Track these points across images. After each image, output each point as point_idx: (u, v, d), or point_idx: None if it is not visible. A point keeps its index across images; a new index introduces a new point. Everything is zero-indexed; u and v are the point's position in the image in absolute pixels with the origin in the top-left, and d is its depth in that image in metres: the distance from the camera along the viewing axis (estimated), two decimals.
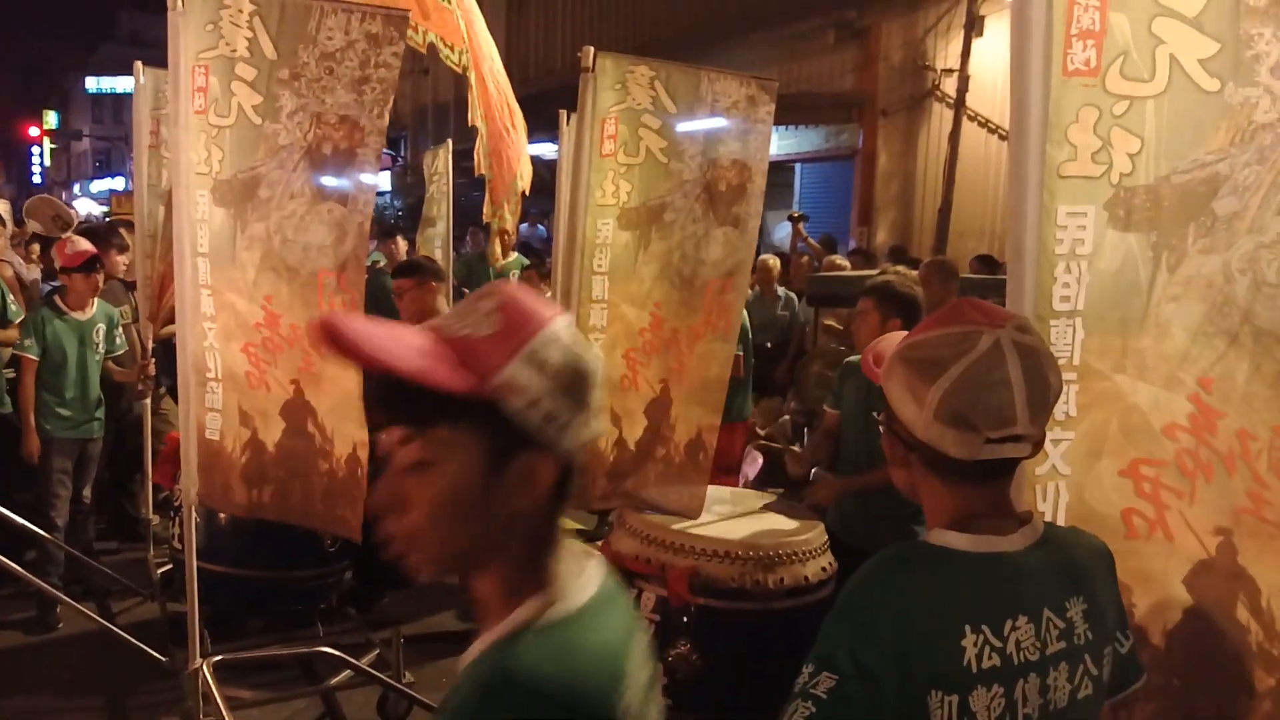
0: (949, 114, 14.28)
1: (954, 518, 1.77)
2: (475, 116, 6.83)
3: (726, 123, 4.70)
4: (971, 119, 14.03)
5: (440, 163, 9.35)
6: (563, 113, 7.60)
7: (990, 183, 14.24)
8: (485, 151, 7.04)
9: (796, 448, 7.16)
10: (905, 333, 1.96)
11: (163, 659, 5.31)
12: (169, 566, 6.32)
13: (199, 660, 4.58)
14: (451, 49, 6.26)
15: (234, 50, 4.06)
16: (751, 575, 4.15)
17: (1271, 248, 2.31)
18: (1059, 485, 2.53)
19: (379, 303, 7.96)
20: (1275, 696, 2.40)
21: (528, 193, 7.75)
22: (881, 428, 1.90)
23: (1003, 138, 14.03)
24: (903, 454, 1.82)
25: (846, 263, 10.29)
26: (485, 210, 7.67)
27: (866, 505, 4.56)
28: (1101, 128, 2.38)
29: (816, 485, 4.97)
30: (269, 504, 4.52)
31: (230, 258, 4.29)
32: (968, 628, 1.65)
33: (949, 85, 14.33)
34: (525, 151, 7.53)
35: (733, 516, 4.61)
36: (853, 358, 5.55)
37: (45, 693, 5.38)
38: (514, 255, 9.85)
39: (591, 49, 4.52)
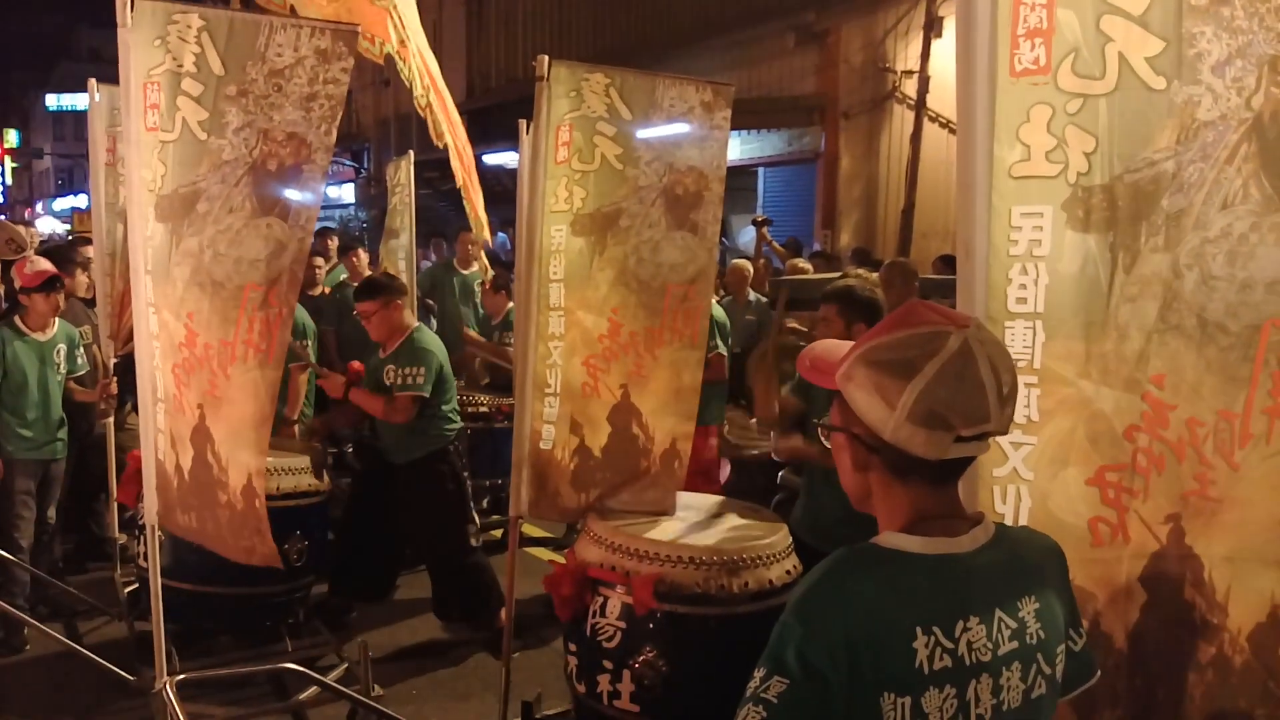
0: (910, 115, 14.36)
1: (908, 520, 1.78)
2: (443, 135, 6.85)
3: (683, 128, 4.71)
4: (933, 120, 14.11)
5: (402, 174, 9.32)
6: (521, 122, 7.62)
7: (952, 183, 14.26)
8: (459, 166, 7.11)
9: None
10: (838, 341, 1.97)
11: (131, 678, 5.25)
12: (135, 585, 6.27)
13: (164, 678, 4.56)
14: (372, 41, 6.26)
15: (180, 65, 4.02)
16: (716, 580, 4.15)
17: (1216, 242, 2.34)
18: (1020, 489, 2.54)
19: (344, 318, 7.97)
20: (1216, 665, 2.47)
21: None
22: (826, 433, 1.91)
23: None
24: (864, 458, 1.81)
25: (809, 265, 10.31)
26: (474, 226, 7.86)
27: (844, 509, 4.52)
28: (1056, 126, 2.40)
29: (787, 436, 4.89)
30: (196, 530, 4.44)
31: (165, 274, 4.22)
32: (919, 629, 1.65)
33: (909, 87, 14.40)
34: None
35: (698, 522, 4.62)
36: None
37: (13, 715, 5.33)
38: (476, 265, 9.85)
39: (546, 57, 4.53)
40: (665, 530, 4.47)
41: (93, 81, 6.46)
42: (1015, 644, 1.74)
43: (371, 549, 6.21)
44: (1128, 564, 2.52)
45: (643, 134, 4.67)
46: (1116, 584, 2.53)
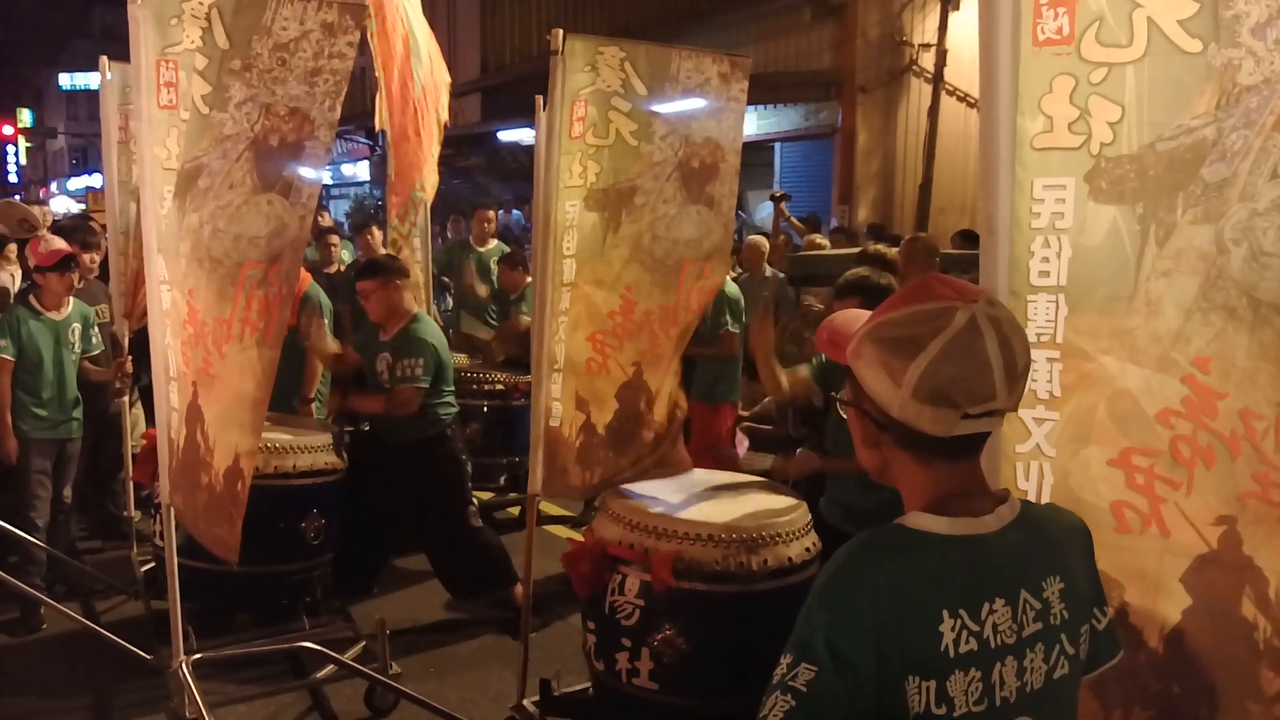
0: (928, 89, 14.29)
1: (930, 499, 1.75)
2: (381, 120, 6.73)
3: (699, 102, 4.65)
4: (950, 94, 14.04)
5: None
6: (538, 98, 7.55)
7: (970, 157, 14.23)
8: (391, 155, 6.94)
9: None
10: (860, 310, 1.93)
11: (148, 657, 5.27)
12: (152, 564, 6.27)
13: (181, 658, 4.55)
14: None
15: (192, 42, 3.99)
16: (735, 557, 4.12)
17: (1266, 215, 2.21)
18: (1044, 466, 2.48)
19: (357, 297, 7.87)
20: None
21: (429, 203, 7.53)
22: (843, 408, 1.88)
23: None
24: (874, 434, 1.79)
25: (826, 241, 10.25)
26: (391, 221, 7.49)
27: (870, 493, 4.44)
28: (1079, 97, 2.33)
29: (793, 460, 4.93)
30: (186, 514, 4.44)
31: (173, 250, 4.21)
32: (945, 613, 1.63)
33: (926, 60, 14.33)
34: (431, 159, 7.34)
35: (716, 499, 4.58)
36: None
37: (31, 694, 5.34)
38: (494, 243, 9.79)
39: (560, 31, 4.47)
40: (684, 508, 4.44)
41: (104, 59, 6.43)
42: (1039, 625, 1.72)
43: (368, 534, 6.18)
44: (1164, 561, 2.36)
45: (658, 108, 4.62)
46: (1148, 578, 2.37)
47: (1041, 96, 2.35)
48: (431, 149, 7.22)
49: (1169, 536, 2.36)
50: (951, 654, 1.62)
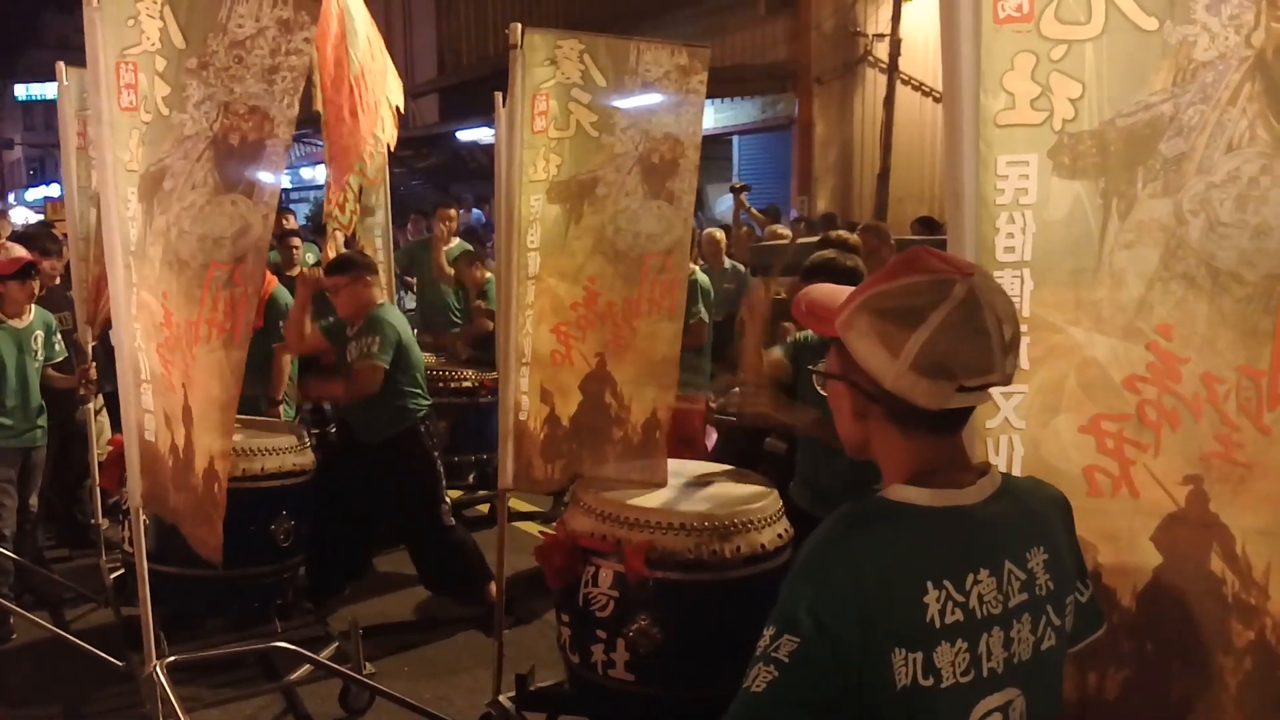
0: (883, 79, 14.34)
1: (912, 472, 1.75)
2: (317, 101, 6.63)
3: (658, 96, 4.65)
4: (905, 83, 14.08)
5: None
6: (497, 95, 7.53)
7: (927, 146, 14.32)
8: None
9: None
10: (835, 285, 1.94)
11: (119, 664, 5.23)
12: (121, 571, 6.23)
13: (154, 662, 4.53)
14: None
15: (151, 44, 3.96)
16: (708, 545, 4.13)
17: (1223, 187, 2.28)
18: (1013, 439, 2.51)
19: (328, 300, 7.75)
20: (1256, 651, 2.35)
21: (367, 184, 7.24)
22: (822, 383, 1.88)
23: (937, 100, 14.11)
24: (862, 406, 1.78)
25: (788, 231, 10.28)
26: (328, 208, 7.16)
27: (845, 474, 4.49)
28: (1040, 74, 2.36)
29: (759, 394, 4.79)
30: (180, 511, 4.39)
31: (143, 254, 4.18)
32: (929, 584, 1.62)
33: (881, 50, 14.37)
34: (387, 103, 7.14)
35: (687, 488, 4.59)
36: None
37: (1, 704, 5.29)
38: (456, 241, 9.76)
39: (519, 25, 4.47)
40: (655, 498, 4.45)
41: (60, 65, 6.36)
42: (1025, 595, 1.72)
43: (343, 533, 6.12)
44: (1135, 521, 2.45)
45: (618, 101, 4.63)
46: (1120, 538, 2.46)
47: (1003, 74, 2.37)
48: (375, 131, 7.03)
49: (1139, 497, 2.45)
50: (937, 625, 1.62)
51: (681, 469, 4.89)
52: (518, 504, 8.06)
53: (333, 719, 5.10)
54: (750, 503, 4.36)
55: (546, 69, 4.53)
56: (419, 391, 6.12)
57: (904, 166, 13.92)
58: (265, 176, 3.95)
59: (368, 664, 5.28)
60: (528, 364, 4.74)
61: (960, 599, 1.64)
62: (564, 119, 4.62)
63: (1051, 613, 1.76)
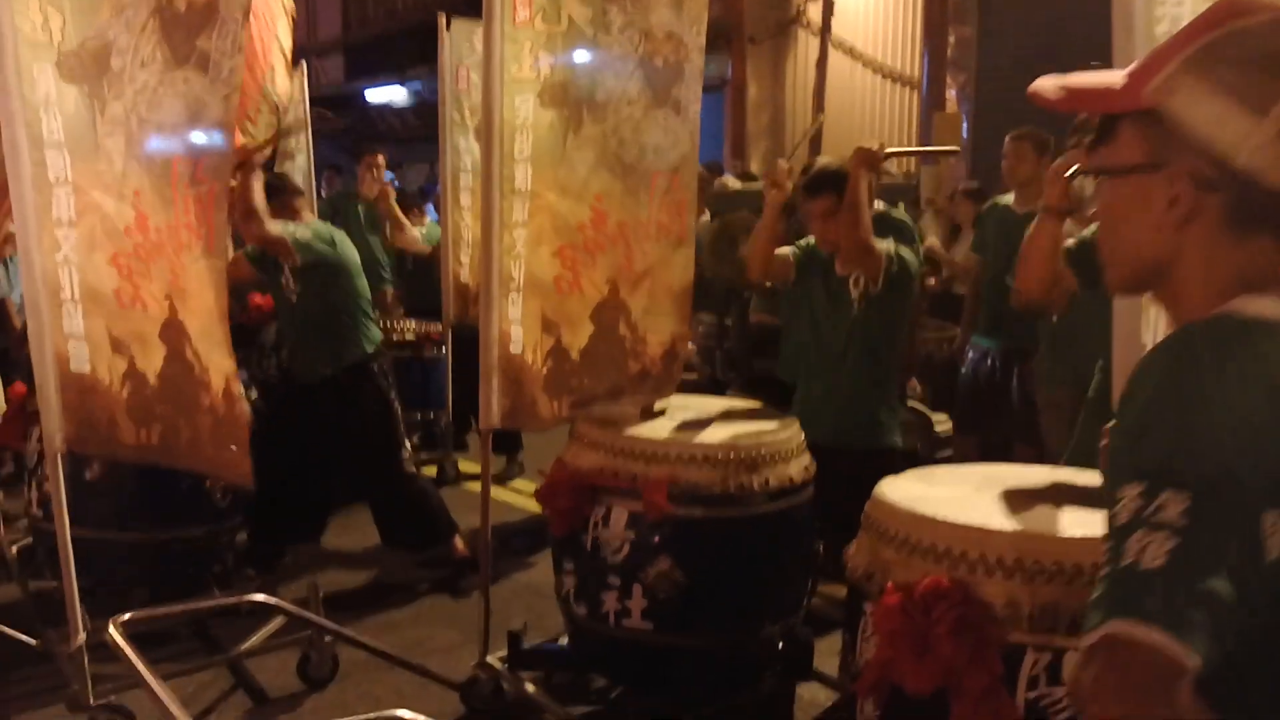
0: (815, 42, 14.13)
1: (1243, 282, 1.29)
2: None
3: None
4: (836, 46, 13.89)
5: (295, 88, 8.48)
6: (440, 16, 6.94)
7: (856, 109, 14.18)
8: None
9: None
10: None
11: (33, 642, 4.60)
12: (27, 540, 5.55)
13: (80, 636, 3.94)
14: None
15: None
16: (735, 478, 3.69)
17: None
18: None
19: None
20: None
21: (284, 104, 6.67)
22: (1106, 184, 1.39)
23: (866, 64, 13.91)
24: (1189, 203, 1.30)
25: (737, 182, 10.14)
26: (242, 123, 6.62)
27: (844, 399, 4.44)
28: None
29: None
30: (157, 446, 3.81)
31: (93, 147, 3.57)
32: None
33: (814, 12, 14.16)
34: (279, 50, 6.49)
35: (700, 421, 4.12)
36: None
37: None
38: (430, 221, 9.17)
39: None
40: (668, 430, 3.96)
41: None
42: None
43: (290, 489, 5.50)
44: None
45: None
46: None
47: None
48: (264, 85, 6.38)
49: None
50: None
51: (688, 402, 4.47)
52: (466, 465, 7.59)
53: (290, 692, 4.51)
54: (775, 433, 3.93)
55: None
56: (366, 324, 5.58)
57: (835, 129, 13.63)
58: (218, 47, 3.32)
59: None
60: (519, 290, 4.17)
61: None
62: (553, 11, 4.07)
63: None
